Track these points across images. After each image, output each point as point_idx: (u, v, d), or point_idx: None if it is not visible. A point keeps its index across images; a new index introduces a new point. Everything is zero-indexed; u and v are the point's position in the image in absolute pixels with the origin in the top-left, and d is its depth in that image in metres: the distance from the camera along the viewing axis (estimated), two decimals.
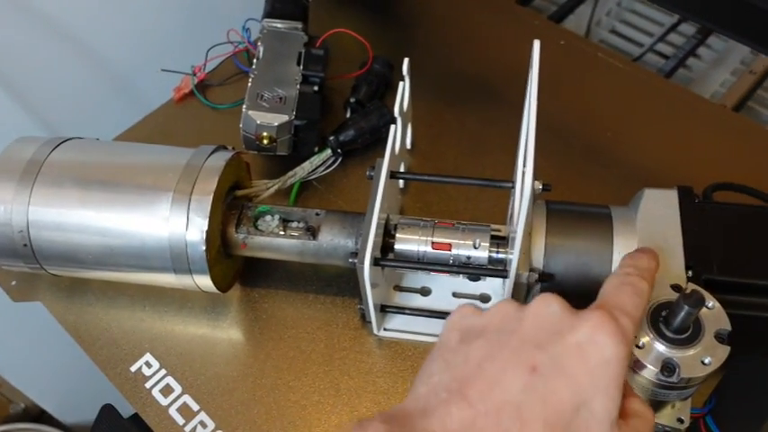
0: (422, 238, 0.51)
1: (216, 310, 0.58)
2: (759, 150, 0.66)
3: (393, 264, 0.52)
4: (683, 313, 0.38)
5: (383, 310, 0.55)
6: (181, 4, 0.84)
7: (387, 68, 0.71)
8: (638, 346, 0.40)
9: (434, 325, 0.55)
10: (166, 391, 0.54)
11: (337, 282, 0.59)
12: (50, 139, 0.55)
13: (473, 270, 0.51)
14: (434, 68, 0.74)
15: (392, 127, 0.52)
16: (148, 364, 0.56)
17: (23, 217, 0.51)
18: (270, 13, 0.65)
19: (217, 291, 0.53)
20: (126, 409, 0.59)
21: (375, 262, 0.48)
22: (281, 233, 0.53)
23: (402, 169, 0.62)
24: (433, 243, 0.51)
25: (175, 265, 0.51)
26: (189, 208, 0.50)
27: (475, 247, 0.51)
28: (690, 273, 0.46)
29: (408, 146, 0.66)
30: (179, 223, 0.50)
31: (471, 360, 0.31)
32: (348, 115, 0.68)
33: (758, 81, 0.80)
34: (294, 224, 0.53)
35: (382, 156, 0.51)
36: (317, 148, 0.63)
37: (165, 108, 0.73)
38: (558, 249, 0.48)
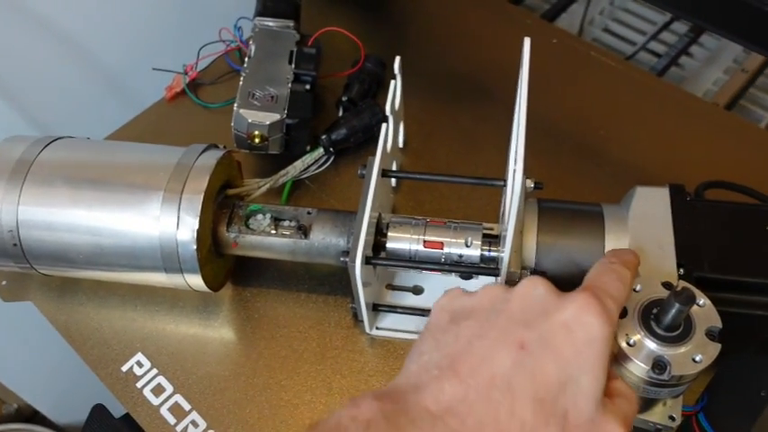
0: (414, 236, 0.51)
1: (207, 309, 0.58)
2: (751, 148, 0.67)
3: (385, 263, 0.52)
4: (673, 311, 0.38)
5: (375, 308, 0.55)
6: (173, 4, 0.83)
7: (379, 67, 0.71)
8: (628, 344, 0.40)
9: None
10: (158, 390, 0.54)
11: (329, 281, 0.58)
12: (40, 138, 0.55)
13: (465, 268, 0.51)
14: (427, 67, 0.74)
15: (383, 125, 0.52)
16: (140, 364, 0.55)
17: (13, 216, 0.51)
18: (262, 11, 0.65)
19: (208, 290, 0.53)
20: (117, 409, 0.59)
21: (367, 261, 0.48)
22: (273, 232, 0.53)
23: (394, 168, 0.62)
24: (424, 242, 0.51)
25: (166, 264, 0.50)
26: (180, 207, 0.50)
27: (467, 246, 0.51)
28: (681, 270, 0.46)
29: (400, 144, 0.66)
30: (170, 222, 0.49)
31: (461, 338, 0.32)
32: (340, 114, 0.68)
33: (750, 79, 0.80)
34: (286, 223, 0.53)
35: (374, 154, 0.51)
36: (308, 147, 0.63)
37: (156, 107, 0.73)
38: (550, 247, 0.48)
